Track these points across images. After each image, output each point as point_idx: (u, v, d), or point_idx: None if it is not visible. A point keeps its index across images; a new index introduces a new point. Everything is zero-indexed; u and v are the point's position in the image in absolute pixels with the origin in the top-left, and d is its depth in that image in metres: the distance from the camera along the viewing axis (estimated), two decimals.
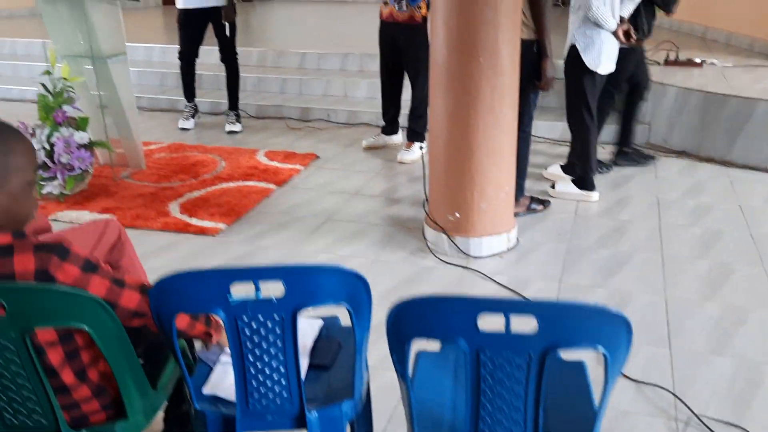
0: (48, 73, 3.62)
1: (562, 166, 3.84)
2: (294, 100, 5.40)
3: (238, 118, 4.98)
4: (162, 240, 3.17)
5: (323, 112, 5.18)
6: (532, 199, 3.42)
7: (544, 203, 3.45)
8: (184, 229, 3.25)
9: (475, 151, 2.78)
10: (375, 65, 5.71)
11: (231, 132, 4.89)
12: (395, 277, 2.80)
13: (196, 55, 4.88)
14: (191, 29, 4.72)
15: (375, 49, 5.77)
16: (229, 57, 4.82)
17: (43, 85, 3.60)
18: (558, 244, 3.08)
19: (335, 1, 10.04)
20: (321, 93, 5.54)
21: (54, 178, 3.54)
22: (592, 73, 3.25)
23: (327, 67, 5.86)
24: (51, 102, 3.59)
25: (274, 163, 4.18)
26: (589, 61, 3.21)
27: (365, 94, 5.42)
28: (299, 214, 3.46)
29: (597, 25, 3.14)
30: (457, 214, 2.91)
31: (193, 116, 5.04)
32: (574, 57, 3.24)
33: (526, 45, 2.86)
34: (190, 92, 5.00)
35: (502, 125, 2.77)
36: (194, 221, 3.32)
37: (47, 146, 3.53)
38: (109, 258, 2.07)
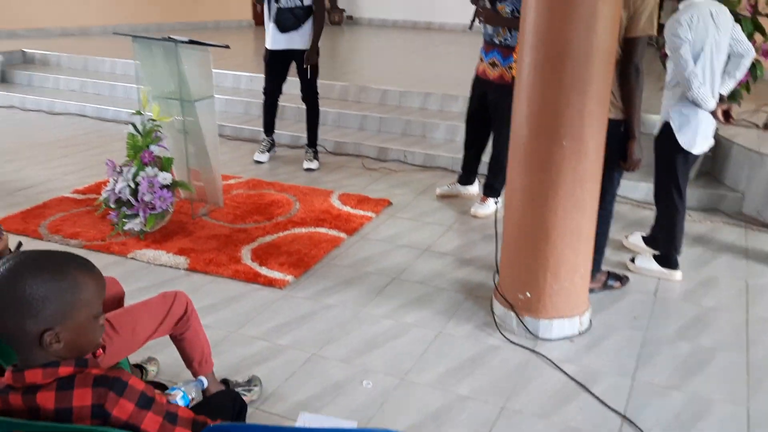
0: (139, 113, 3.76)
1: (644, 238, 3.66)
2: (372, 138, 5.41)
3: (315, 155, 5.04)
4: (231, 289, 3.22)
5: (400, 152, 5.17)
6: (609, 275, 3.26)
7: (622, 280, 3.29)
8: (254, 279, 3.29)
9: (551, 233, 2.67)
10: (456, 107, 5.69)
11: (308, 169, 4.95)
12: (459, 355, 2.72)
13: (279, 91, 5.01)
14: (275, 68, 4.87)
15: (456, 90, 5.74)
16: (309, 96, 4.91)
17: (134, 125, 3.75)
18: (634, 331, 2.92)
19: (421, 27, 10.06)
20: (399, 132, 5.53)
21: (136, 215, 3.67)
22: (686, 153, 3.08)
23: (407, 105, 5.86)
24: (140, 142, 3.73)
25: (347, 209, 4.19)
26: (684, 140, 3.04)
27: (444, 136, 5.37)
28: (367, 270, 3.44)
29: (695, 104, 2.97)
30: (528, 294, 2.81)
31: (269, 150, 5.15)
32: (666, 135, 3.08)
33: (612, 124, 2.73)
34: (269, 127, 5.12)
35: (582, 209, 2.66)
36: (264, 271, 3.36)
37: (132, 185, 3.66)
38: (175, 330, 2.11)
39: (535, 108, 2.57)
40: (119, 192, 3.68)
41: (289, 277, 3.31)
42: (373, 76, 6.78)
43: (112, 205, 3.73)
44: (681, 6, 2.98)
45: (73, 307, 1.22)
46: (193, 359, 2.17)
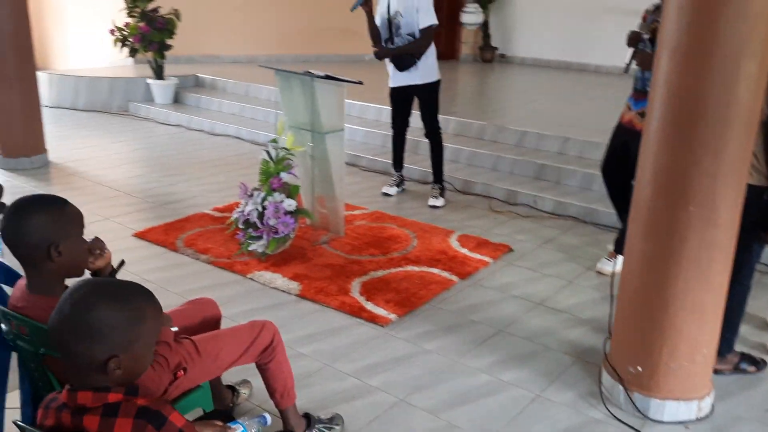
0: (274, 141, 3.97)
1: None
2: (503, 180, 5.29)
3: (442, 192, 5.02)
4: (334, 321, 3.26)
5: (530, 197, 5.00)
6: (743, 357, 2.90)
7: (758, 364, 2.90)
8: (358, 313, 3.31)
9: (670, 305, 2.43)
10: (596, 154, 5.41)
11: (433, 206, 4.93)
12: (554, 424, 2.54)
13: (406, 125, 5.08)
14: (399, 105, 4.99)
15: (599, 136, 5.48)
16: (431, 132, 4.93)
17: (267, 152, 3.96)
18: (764, 426, 2.56)
19: (575, 68, 9.75)
20: (532, 175, 5.36)
21: (260, 238, 3.86)
22: None
23: (545, 148, 5.67)
24: (272, 168, 3.93)
25: (464, 251, 4.10)
26: None
27: (579, 183, 5.12)
28: (473, 317, 3.34)
29: None
30: (640, 368, 2.56)
31: (398, 185, 5.20)
32: None
33: (753, 191, 2.45)
34: (397, 162, 5.20)
35: (708, 282, 2.39)
36: (369, 306, 3.37)
37: (260, 208, 3.86)
38: (259, 360, 2.16)
39: (661, 167, 2.36)
40: (248, 214, 3.89)
41: (393, 316, 3.29)
42: (513, 116, 6.66)
43: (241, 226, 3.95)
44: None
45: (138, 336, 1.30)
46: (275, 390, 2.21)
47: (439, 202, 4.96)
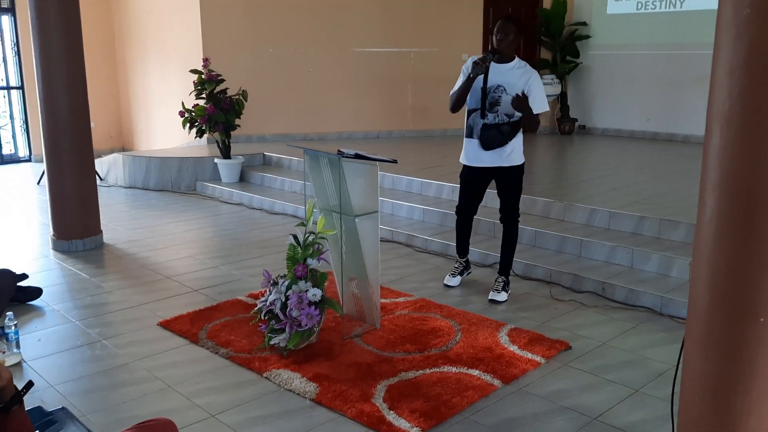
0: (303, 224, 3.70)
1: None
2: (568, 264, 4.76)
3: (505, 286, 4.41)
4: None
5: (598, 284, 4.43)
6: None
7: None
8: (376, 425, 2.87)
9: None
10: (676, 235, 4.84)
11: (493, 301, 4.33)
12: None
13: (474, 212, 4.56)
14: (474, 187, 4.44)
15: (679, 215, 4.90)
16: (509, 218, 4.40)
17: (295, 237, 3.69)
18: None
19: (661, 139, 9.10)
20: (603, 259, 4.79)
21: (282, 331, 3.54)
22: None
23: (617, 228, 5.10)
24: (298, 254, 3.64)
25: (513, 348, 3.60)
26: None
27: (655, 269, 4.50)
28: None
29: None
30: None
31: (461, 273, 4.68)
32: None
33: None
34: (462, 248, 4.66)
35: None
36: (391, 416, 2.93)
37: (283, 298, 3.56)
38: None
39: (719, 269, 1.85)
40: (271, 304, 3.60)
41: (415, 430, 2.83)
42: (584, 192, 6.13)
43: (264, 317, 3.65)
44: None
45: None
46: None
47: (501, 296, 4.35)
